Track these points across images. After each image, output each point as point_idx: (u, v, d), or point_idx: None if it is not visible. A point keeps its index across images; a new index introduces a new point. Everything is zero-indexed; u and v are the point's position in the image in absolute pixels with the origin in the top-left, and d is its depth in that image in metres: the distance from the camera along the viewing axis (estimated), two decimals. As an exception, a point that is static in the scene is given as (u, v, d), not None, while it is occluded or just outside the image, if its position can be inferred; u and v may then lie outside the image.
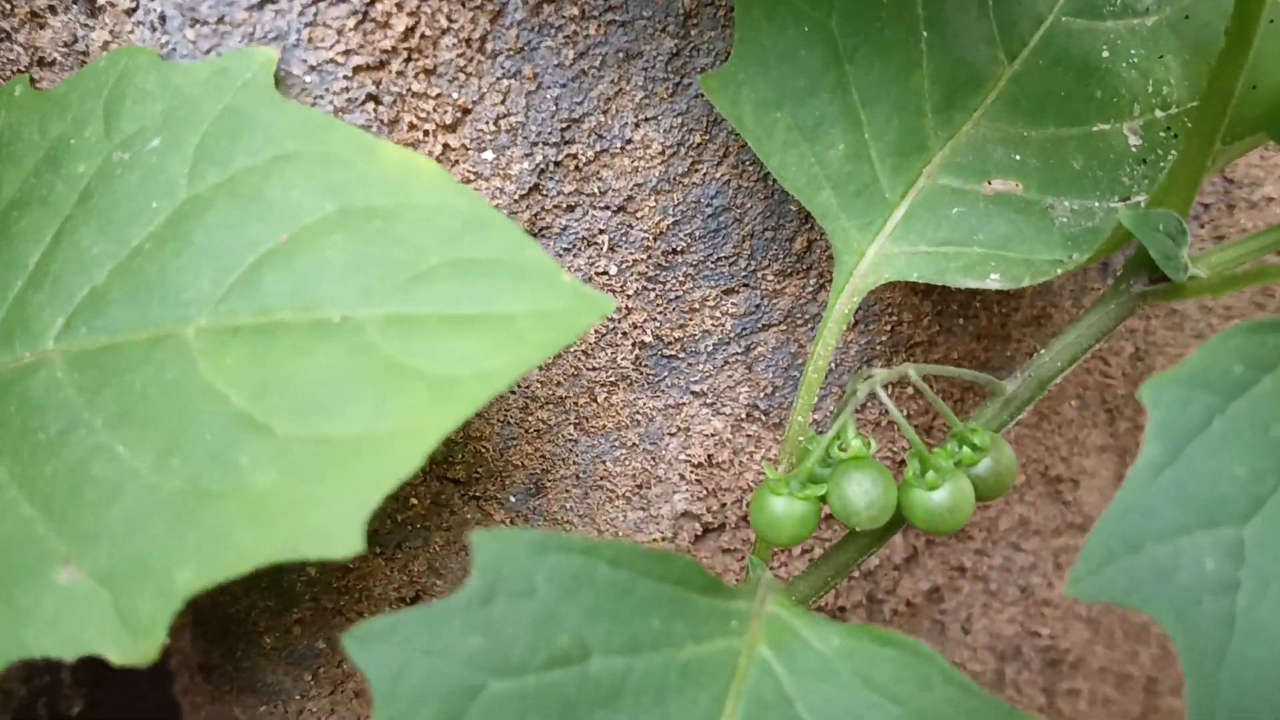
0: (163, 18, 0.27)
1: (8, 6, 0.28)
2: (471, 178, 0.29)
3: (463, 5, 0.28)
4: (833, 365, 0.37)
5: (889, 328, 0.37)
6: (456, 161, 0.28)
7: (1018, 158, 0.29)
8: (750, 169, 0.32)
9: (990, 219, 0.28)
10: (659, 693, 0.22)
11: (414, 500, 0.33)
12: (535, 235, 0.30)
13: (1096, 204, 0.28)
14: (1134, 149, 0.29)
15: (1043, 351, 0.29)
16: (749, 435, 0.38)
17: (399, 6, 0.27)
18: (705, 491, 0.38)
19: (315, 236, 0.23)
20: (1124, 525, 0.21)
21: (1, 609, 0.21)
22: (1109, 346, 0.41)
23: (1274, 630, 0.21)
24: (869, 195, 0.29)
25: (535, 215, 0.30)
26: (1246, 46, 0.23)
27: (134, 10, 0.27)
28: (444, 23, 0.28)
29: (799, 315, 0.35)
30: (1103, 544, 0.21)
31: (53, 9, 0.28)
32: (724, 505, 0.38)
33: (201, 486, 0.21)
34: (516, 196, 0.29)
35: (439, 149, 0.28)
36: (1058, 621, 0.47)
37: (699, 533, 0.39)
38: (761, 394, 0.37)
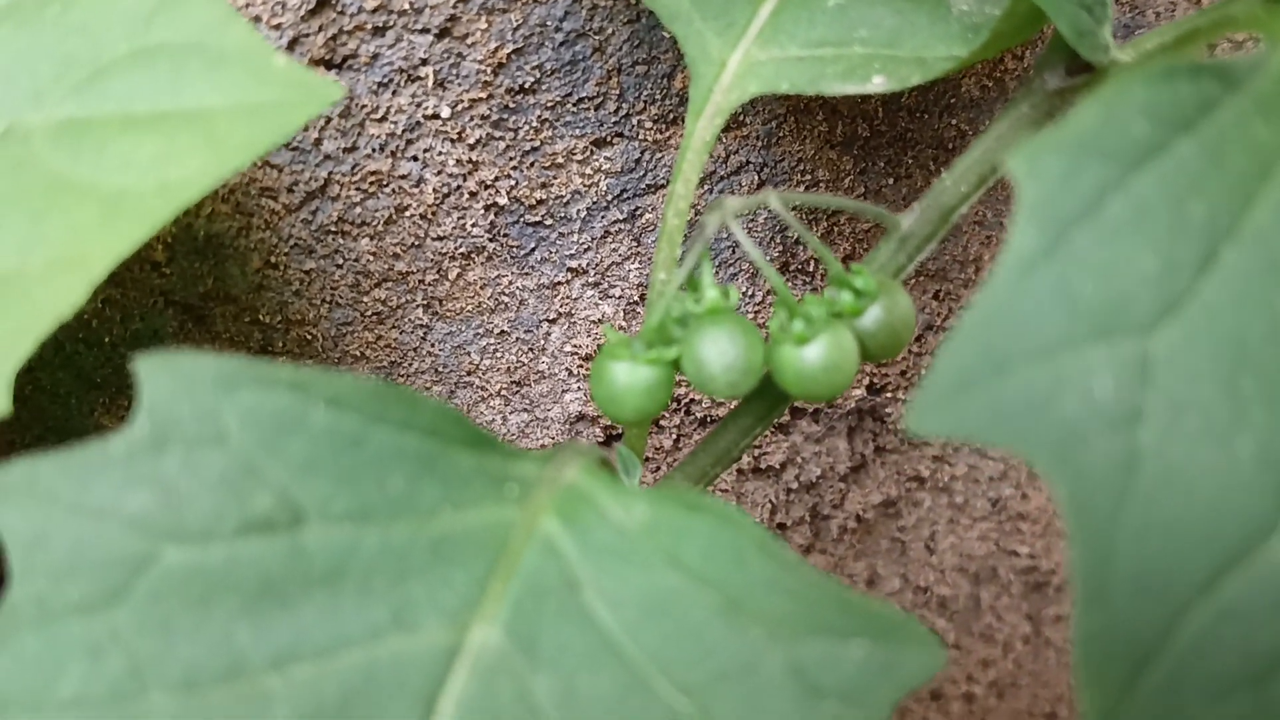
0: None
1: None
2: (241, -12, 0.24)
3: None
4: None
5: (806, 179, 0.32)
6: (220, -33, 0.24)
7: (907, -68, 0.23)
8: (605, -16, 0.27)
9: (874, 10, 0.23)
10: (398, 572, 0.17)
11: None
12: (338, 67, 0.25)
13: (1006, -17, 0.23)
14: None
15: (944, 175, 0.23)
16: (648, 321, 0.33)
17: None
18: (602, 388, 0.33)
19: (-22, 27, 0.19)
20: (986, 338, 0.16)
21: None
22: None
23: (1190, 475, 0.16)
24: (726, -11, 0.23)
25: (333, 39, 0.25)
26: None
27: None
28: None
29: (692, 174, 0.30)
30: (957, 363, 0.16)
31: None
32: (620, 402, 0.33)
33: None
34: (303, 13, 0.25)
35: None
36: (1038, 539, 0.42)
37: (600, 439, 0.34)
38: (657, 271, 0.32)
